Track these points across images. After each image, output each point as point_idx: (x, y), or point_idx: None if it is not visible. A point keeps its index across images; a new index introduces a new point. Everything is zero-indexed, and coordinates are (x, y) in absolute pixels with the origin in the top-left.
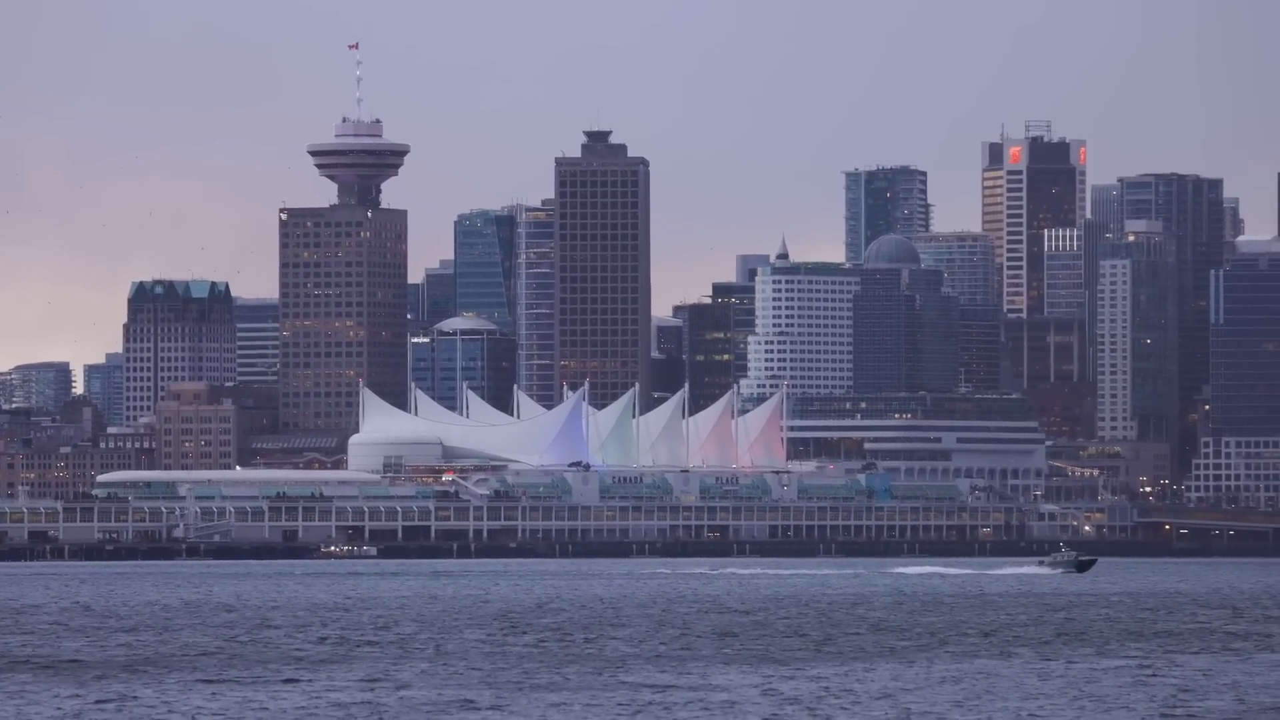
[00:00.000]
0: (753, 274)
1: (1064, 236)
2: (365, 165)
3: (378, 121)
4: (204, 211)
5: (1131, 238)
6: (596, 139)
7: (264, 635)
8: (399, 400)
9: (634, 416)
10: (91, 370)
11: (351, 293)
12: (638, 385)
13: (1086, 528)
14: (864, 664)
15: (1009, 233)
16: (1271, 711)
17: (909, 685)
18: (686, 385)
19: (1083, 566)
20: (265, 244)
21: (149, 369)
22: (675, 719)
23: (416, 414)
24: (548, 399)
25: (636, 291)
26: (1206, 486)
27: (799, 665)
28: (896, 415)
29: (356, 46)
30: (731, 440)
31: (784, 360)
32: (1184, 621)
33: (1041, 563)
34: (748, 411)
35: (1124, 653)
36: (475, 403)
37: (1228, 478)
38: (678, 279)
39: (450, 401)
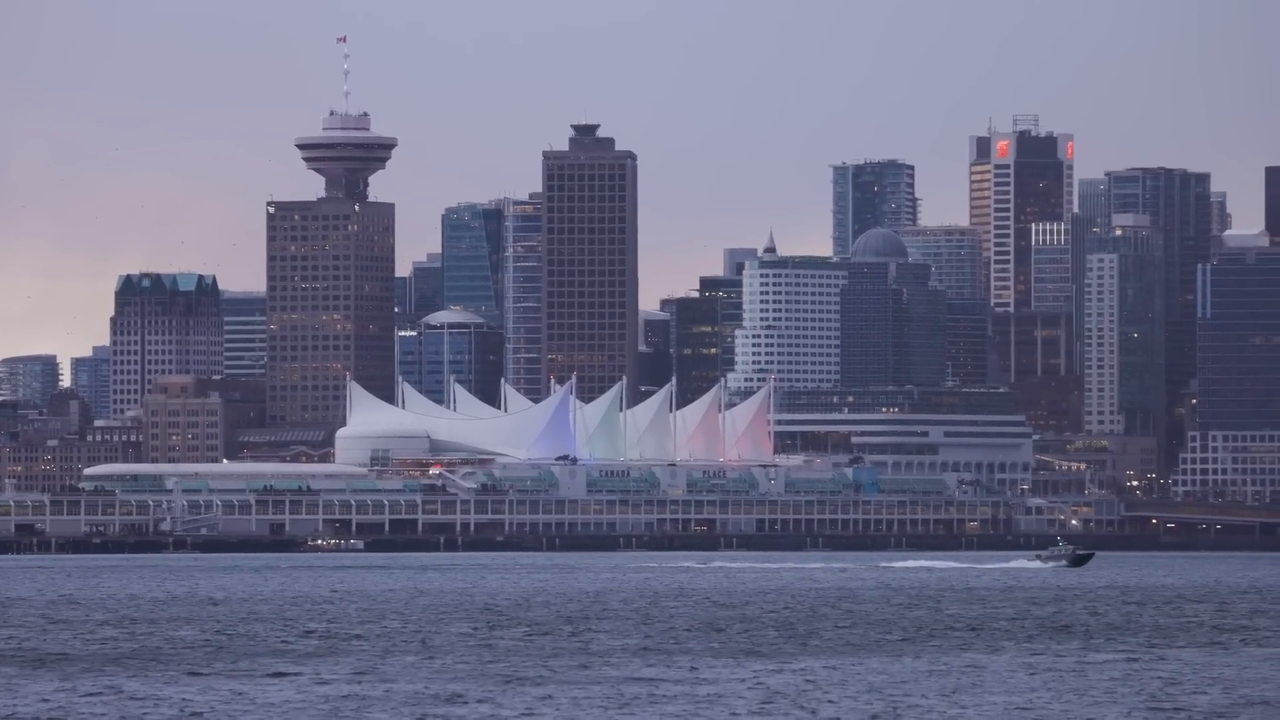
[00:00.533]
0: (740, 267)
1: (1051, 230)
2: (353, 158)
3: (365, 115)
4: (191, 205)
5: (1119, 232)
6: (584, 132)
7: (250, 629)
8: (386, 394)
9: (621, 410)
10: (79, 363)
11: (339, 286)
12: (625, 379)
13: (1073, 522)
14: (851, 658)
15: (996, 227)
16: (1259, 705)
17: (896, 679)
18: (674, 379)
19: (1079, 561)
20: (252, 237)
21: (136, 362)
22: (662, 712)
23: (404, 407)
24: (535, 392)
25: (624, 285)
26: (1193, 480)
27: (786, 659)
28: (884, 409)
29: (344, 40)
30: (719, 434)
31: (771, 354)
32: (1171, 616)
33: (1038, 557)
34: (735, 405)
35: (1111, 647)
36: (462, 396)
37: (1215, 472)
38: (665, 272)
39: (437, 395)
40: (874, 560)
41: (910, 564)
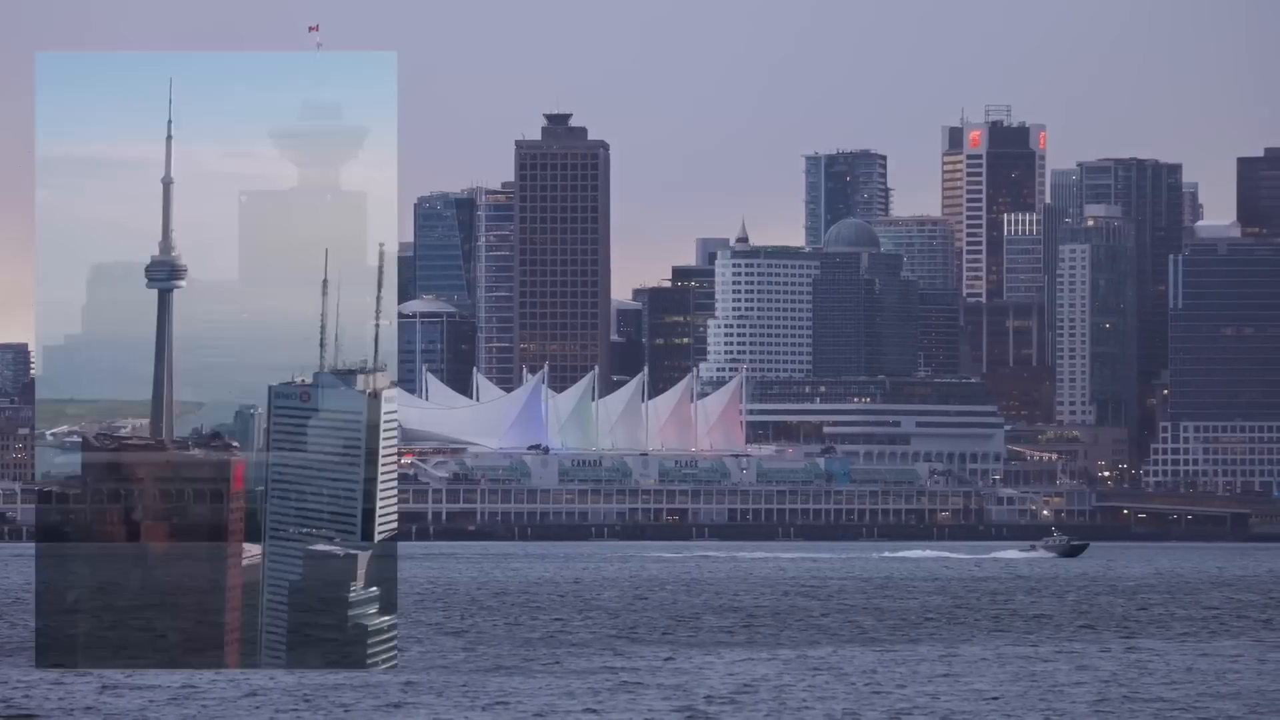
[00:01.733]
0: (712, 257)
1: (1023, 221)
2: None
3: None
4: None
5: (1091, 222)
6: (556, 122)
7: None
8: None
9: (593, 400)
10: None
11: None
12: (597, 368)
13: (1045, 512)
14: (829, 647)
15: (968, 217)
16: (1229, 697)
17: (872, 667)
18: (646, 369)
19: (1072, 552)
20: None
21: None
22: (639, 701)
23: None
24: (507, 382)
25: (596, 274)
26: (1165, 471)
27: (764, 647)
28: (855, 399)
29: (317, 28)
30: (691, 424)
31: (743, 344)
32: (1145, 607)
33: (1033, 547)
34: (707, 395)
35: (1082, 637)
36: (434, 385)
37: (1186, 462)
38: (637, 262)
39: (409, 384)
40: (863, 551)
41: (918, 554)
